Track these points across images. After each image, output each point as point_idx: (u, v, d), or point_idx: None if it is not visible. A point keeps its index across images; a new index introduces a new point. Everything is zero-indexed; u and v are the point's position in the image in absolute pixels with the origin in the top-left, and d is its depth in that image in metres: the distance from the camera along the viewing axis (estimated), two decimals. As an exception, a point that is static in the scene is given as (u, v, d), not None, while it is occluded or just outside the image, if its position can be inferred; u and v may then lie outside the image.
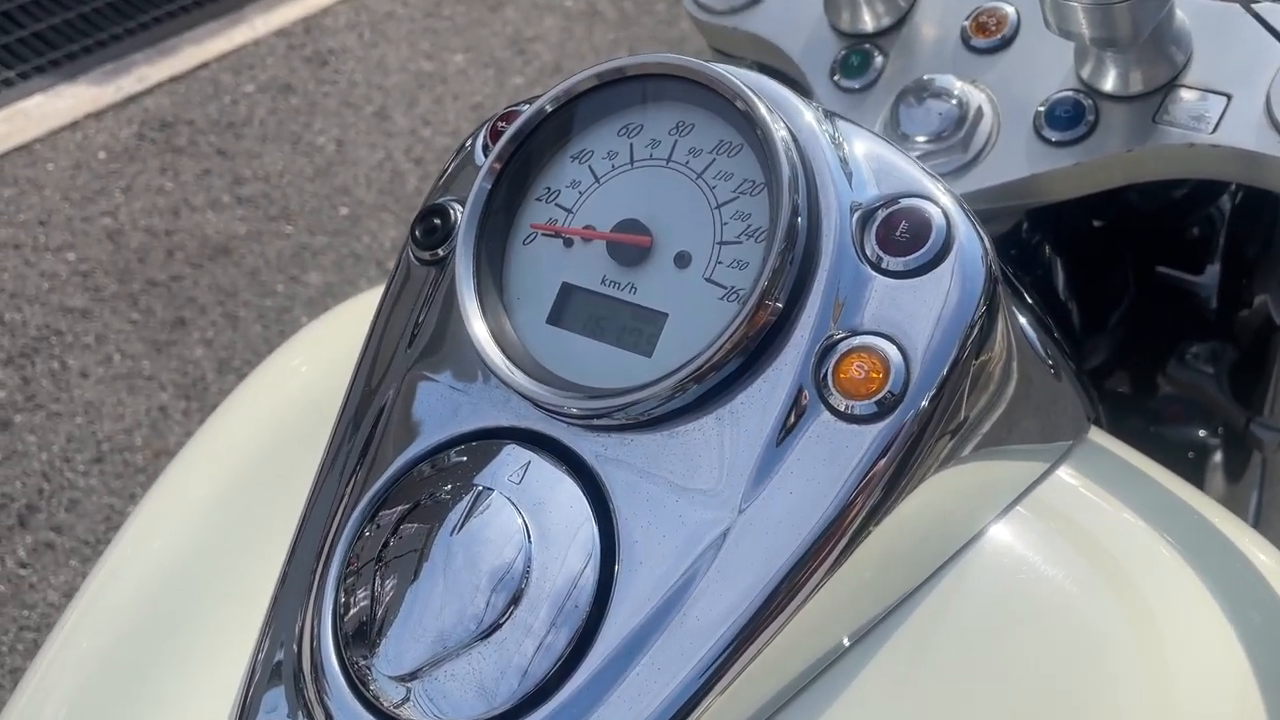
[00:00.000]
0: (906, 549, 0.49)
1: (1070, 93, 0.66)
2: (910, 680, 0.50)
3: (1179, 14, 0.64)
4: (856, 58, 0.72)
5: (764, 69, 0.79)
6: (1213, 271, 0.90)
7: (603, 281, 0.51)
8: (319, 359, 0.75)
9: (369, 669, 0.47)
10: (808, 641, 0.48)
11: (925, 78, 0.69)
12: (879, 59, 0.72)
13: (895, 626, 0.50)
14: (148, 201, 2.44)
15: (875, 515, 0.46)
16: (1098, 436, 0.59)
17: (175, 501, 0.68)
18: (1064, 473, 0.55)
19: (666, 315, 0.49)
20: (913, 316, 0.46)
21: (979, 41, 0.69)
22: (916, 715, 0.49)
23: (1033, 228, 0.77)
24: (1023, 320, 0.53)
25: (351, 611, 0.48)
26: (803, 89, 0.73)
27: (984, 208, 0.68)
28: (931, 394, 0.45)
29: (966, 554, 0.51)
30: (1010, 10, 0.70)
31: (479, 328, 0.50)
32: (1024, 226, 0.76)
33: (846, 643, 0.50)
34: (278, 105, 2.67)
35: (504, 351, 0.50)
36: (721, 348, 0.46)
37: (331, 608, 0.48)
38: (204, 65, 2.75)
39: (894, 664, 0.50)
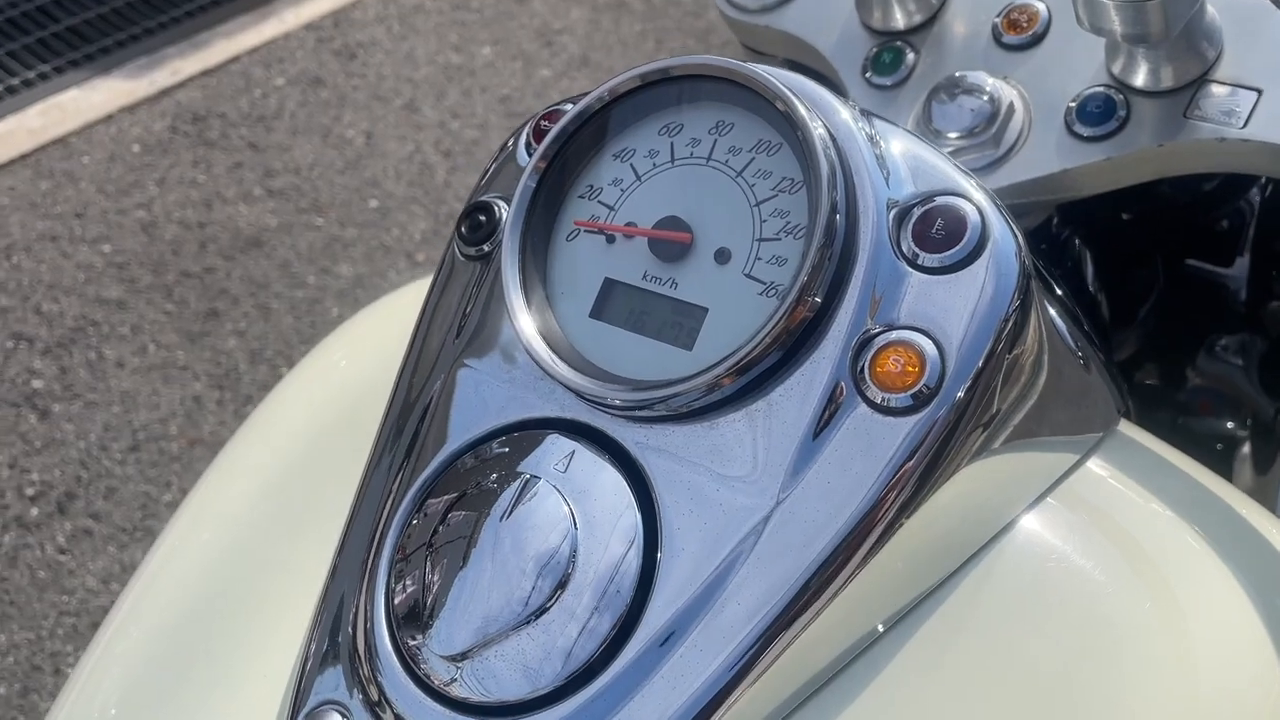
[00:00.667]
0: (940, 539, 0.51)
1: (1101, 88, 0.67)
2: (941, 667, 0.51)
3: (1210, 10, 0.65)
4: (888, 55, 0.73)
5: (795, 66, 0.80)
6: (1242, 264, 0.91)
7: (644, 277, 0.52)
8: (360, 353, 0.76)
9: (419, 649, 0.48)
10: (842, 628, 0.49)
11: (957, 74, 0.70)
12: (911, 56, 0.73)
13: (927, 615, 0.51)
14: (181, 194, 2.48)
15: (910, 505, 0.47)
16: (1127, 429, 0.60)
17: (224, 494, 0.69)
18: (1094, 464, 0.56)
19: (707, 310, 0.51)
20: (948, 312, 0.47)
21: (1010, 38, 0.70)
22: (947, 701, 0.51)
23: (1063, 221, 0.78)
24: (1054, 314, 0.54)
25: (403, 595, 0.50)
26: (835, 86, 0.74)
27: (1016, 202, 0.69)
28: (966, 387, 0.47)
29: (998, 544, 0.52)
30: (1041, 7, 0.70)
31: (524, 321, 0.52)
32: (1055, 220, 0.77)
33: (880, 629, 0.51)
34: (308, 98, 2.70)
35: (548, 344, 0.51)
36: (761, 342, 0.47)
37: (384, 592, 0.50)
38: (235, 59, 2.78)
39: (925, 651, 0.51)
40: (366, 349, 0.76)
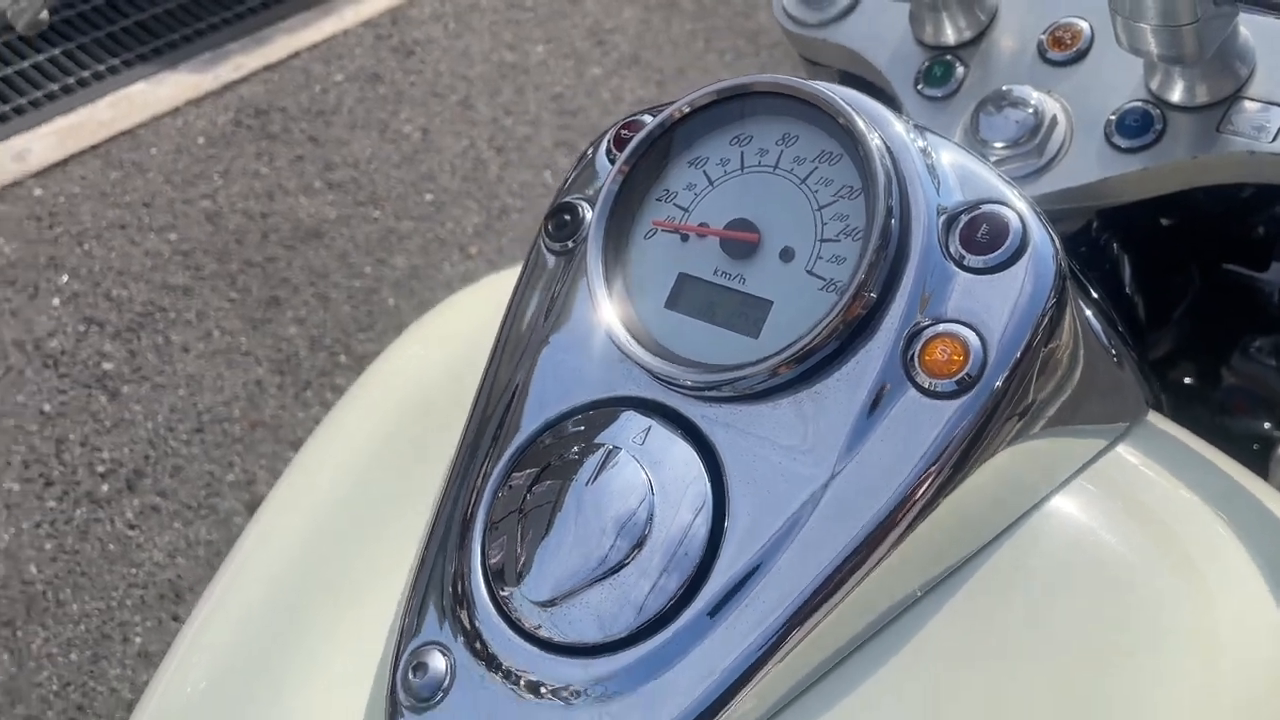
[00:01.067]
0: (976, 513, 0.56)
1: (1139, 103, 0.72)
2: (970, 633, 0.56)
3: (1243, 31, 0.69)
4: (939, 69, 0.78)
5: (850, 77, 0.85)
6: (1278, 269, 0.95)
7: (715, 272, 0.58)
8: (443, 344, 0.80)
9: (511, 598, 0.54)
10: (885, 592, 0.54)
11: (1004, 88, 0.75)
12: (960, 70, 0.78)
13: (960, 584, 0.56)
14: (244, 185, 2.56)
15: (952, 480, 0.52)
16: (1157, 420, 0.65)
17: (313, 481, 0.72)
18: (1122, 449, 0.61)
19: (772, 303, 0.56)
20: (991, 307, 0.52)
21: (1055, 55, 0.75)
22: (975, 664, 0.55)
23: (1102, 226, 0.82)
24: (1088, 312, 0.59)
25: (496, 551, 0.56)
26: (888, 97, 0.79)
27: (1057, 208, 0.73)
28: (1006, 375, 0.52)
29: (1028, 520, 0.57)
30: (1085, 26, 0.75)
31: (606, 309, 0.58)
32: (1094, 225, 0.82)
33: (918, 593, 0.56)
34: (365, 94, 2.78)
35: (627, 330, 0.57)
36: (820, 333, 0.53)
37: (479, 548, 0.56)
38: (296, 55, 2.86)
39: (957, 618, 0.56)
40: (449, 340, 0.81)
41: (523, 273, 0.66)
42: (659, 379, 0.57)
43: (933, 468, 0.51)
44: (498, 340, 0.65)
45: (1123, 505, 0.59)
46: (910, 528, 0.52)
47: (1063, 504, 0.58)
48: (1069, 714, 0.54)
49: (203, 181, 2.57)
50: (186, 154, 2.62)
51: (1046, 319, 0.53)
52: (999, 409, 0.52)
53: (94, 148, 2.61)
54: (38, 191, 2.52)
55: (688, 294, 0.58)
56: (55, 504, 2.04)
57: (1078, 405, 0.57)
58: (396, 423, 0.73)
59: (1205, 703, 0.56)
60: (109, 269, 2.39)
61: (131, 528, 2.01)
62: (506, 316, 0.65)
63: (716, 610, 0.52)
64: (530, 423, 0.59)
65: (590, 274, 0.59)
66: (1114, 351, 0.62)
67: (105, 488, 2.06)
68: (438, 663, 0.55)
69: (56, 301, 2.33)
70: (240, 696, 0.62)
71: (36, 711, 1.79)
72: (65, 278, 2.37)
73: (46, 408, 2.16)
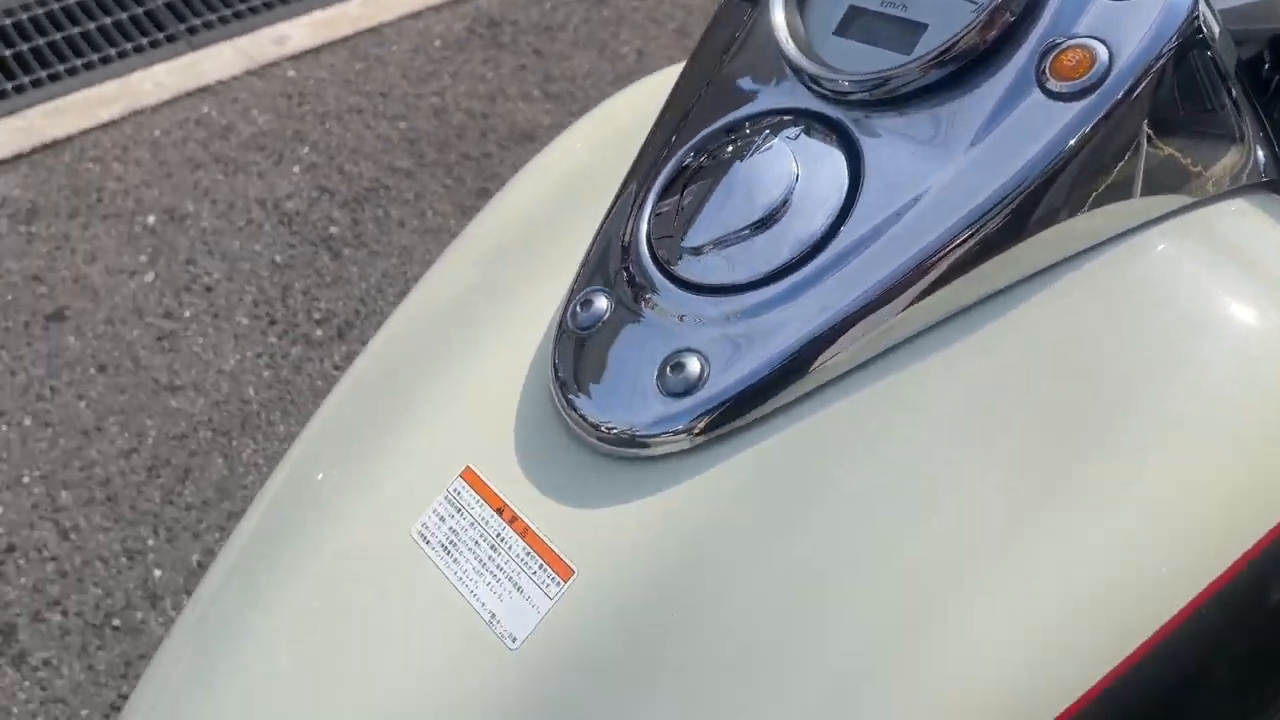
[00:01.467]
0: (1075, 223, 0.60)
1: None
2: (1039, 335, 0.59)
3: None
4: None
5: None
6: None
7: (881, 3, 0.66)
8: (614, 126, 0.90)
9: (664, 251, 0.64)
10: (982, 276, 0.59)
11: None
12: None
13: (1044, 285, 0.60)
14: (470, 87, 2.76)
15: (1060, 180, 0.58)
16: (1273, 197, 0.67)
17: (487, 231, 0.84)
18: (1231, 204, 0.64)
19: (927, 25, 0.63)
20: (1122, 28, 0.58)
21: None
22: (1032, 367, 0.59)
23: (1274, 66, 0.85)
24: (1222, 69, 0.63)
25: (659, 216, 0.66)
26: None
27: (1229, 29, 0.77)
28: (1128, 85, 0.57)
29: (1117, 244, 0.61)
30: None
31: (781, 29, 0.67)
32: (1265, 65, 0.84)
33: (1011, 284, 0.60)
34: (591, 15, 2.93)
35: (796, 47, 0.66)
36: (959, 40, 0.60)
37: (647, 216, 0.66)
38: (532, -26, 3.04)
39: (1032, 316, 0.60)
40: (619, 124, 0.89)
41: (711, 22, 0.75)
42: (818, 88, 0.65)
43: (1047, 160, 0.58)
44: (681, 76, 0.74)
45: (1218, 247, 0.62)
46: (1018, 219, 0.59)
47: (1162, 232, 0.62)
48: (1111, 425, 0.57)
49: (434, 80, 2.77)
50: (423, 54, 2.84)
51: (1174, 46, 0.58)
52: (1117, 117, 0.58)
53: (343, 40, 2.86)
54: (291, 73, 2.79)
55: (855, 22, 0.66)
56: (276, 340, 2.27)
57: (1196, 144, 0.62)
58: (568, 185, 0.81)
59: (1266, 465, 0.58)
60: (344, 147, 2.63)
61: (337, 369, 2.22)
62: (692, 57, 0.75)
63: (827, 270, 0.60)
64: (701, 126, 0.69)
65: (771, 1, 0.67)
66: (1245, 117, 0.66)
67: (319, 333, 2.29)
68: (601, 302, 0.65)
69: (297, 169, 2.58)
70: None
71: (238, 504, 2.02)
72: (306, 150, 2.62)
73: (278, 258, 2.41)
